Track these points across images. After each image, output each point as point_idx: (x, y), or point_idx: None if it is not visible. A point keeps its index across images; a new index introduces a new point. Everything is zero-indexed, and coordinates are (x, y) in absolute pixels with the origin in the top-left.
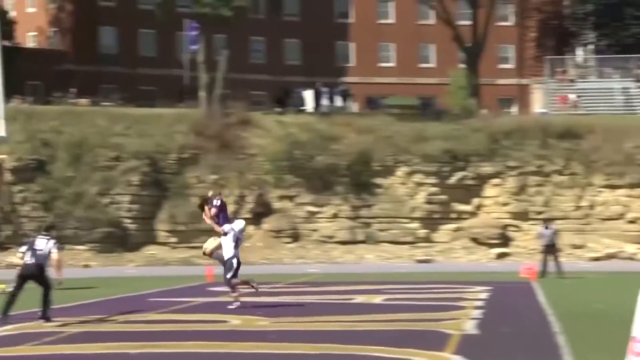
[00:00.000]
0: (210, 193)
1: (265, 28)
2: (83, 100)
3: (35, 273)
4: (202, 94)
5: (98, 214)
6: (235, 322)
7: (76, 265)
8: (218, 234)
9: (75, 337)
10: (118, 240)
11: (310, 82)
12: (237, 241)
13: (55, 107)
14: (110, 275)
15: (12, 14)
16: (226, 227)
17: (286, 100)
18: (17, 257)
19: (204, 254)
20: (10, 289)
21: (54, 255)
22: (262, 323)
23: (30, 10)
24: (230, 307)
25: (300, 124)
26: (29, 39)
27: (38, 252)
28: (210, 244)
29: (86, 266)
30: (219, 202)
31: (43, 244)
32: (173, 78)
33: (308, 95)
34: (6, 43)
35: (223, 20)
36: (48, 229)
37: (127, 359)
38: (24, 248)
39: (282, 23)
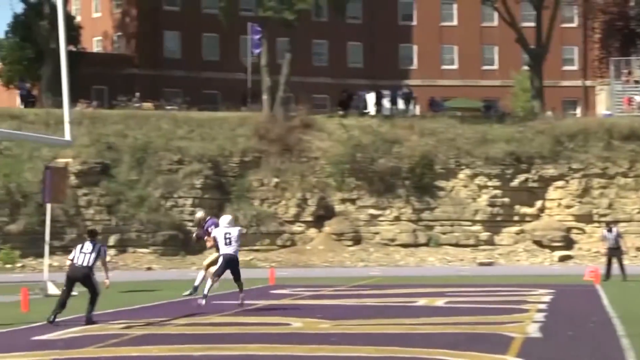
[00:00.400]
0: (198, 214)
1: (328, 31)
2: (147, 104)
3: (83, 275)
4: (264, 97)
5: (161, 217)
6: (297, 324)
7: (139, 268)
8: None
9: (139, 339)
10: (181, 243)
11: (372, 84)
12: (226, 236)
13: (120, 111)
14: (173, 278)
15: (78, 19)
16: (213, 232)
17: (348, 103)
18: (67, 265)
19: (204, 268)
20: (75, 293)
21: (103, 257)
22: (324, 325)
23: (96, 15)
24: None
25: (362, 126)
26: (94, 43)
27: (85, 256)
28: (210, 258)
29: (149, 269)
30: (213, 226)
31: (90, 248)
32: (236, 81)
33: (370, 98)
34: (72, 48)
35: (286, 24)
36: (93, 234)
37: None
38: (72, 254)
39: (344, 26)
